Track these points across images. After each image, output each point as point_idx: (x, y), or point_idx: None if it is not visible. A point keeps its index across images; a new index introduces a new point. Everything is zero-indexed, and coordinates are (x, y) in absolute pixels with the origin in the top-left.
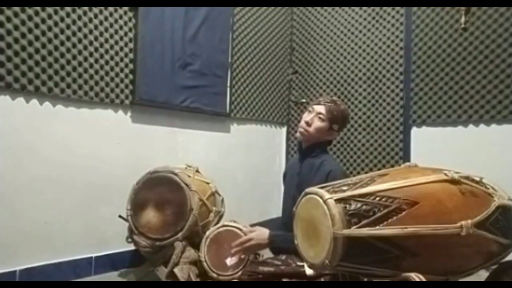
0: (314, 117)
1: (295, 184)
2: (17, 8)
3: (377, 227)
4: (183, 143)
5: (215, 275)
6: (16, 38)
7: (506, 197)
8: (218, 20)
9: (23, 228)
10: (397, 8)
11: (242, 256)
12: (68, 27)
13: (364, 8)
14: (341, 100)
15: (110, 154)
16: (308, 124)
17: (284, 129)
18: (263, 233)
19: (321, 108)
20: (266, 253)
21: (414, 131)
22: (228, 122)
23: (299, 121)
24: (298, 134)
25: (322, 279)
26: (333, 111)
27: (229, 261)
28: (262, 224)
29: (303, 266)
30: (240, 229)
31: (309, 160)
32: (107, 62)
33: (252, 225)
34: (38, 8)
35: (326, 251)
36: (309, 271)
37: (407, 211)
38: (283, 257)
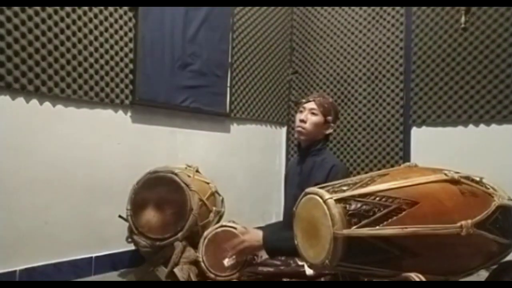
0: (307, 114)
1: (297, 184)
2: (17, 8)
3: (377, 227)
4: (183, 143)
5: (212, 276)
6: (16, 38)
7: (506, 197)
8: (218, 20)
9: (23, 228)
10: (397, 8)
11: (239, 259)
12: (68, 27)
13: (364, 8)
14: (341, 100)
15: (110, 154)
16: (303, 121)
17: (284, 129)
18: (257, 234)
19: (311, 104)
20: (266, 254)
21: (414, 131)
22: (228, 122)
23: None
24: (296, 135)
25: (322, 279)
26: (324, 104)
27: (227, 261)
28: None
29: (303, 266)
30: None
31: (310, 159)
32: (107, 62)
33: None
34: (38, 8)
35: (326, 251)
36: (309, 271)
37: (407, 211)
38: (283, 257)
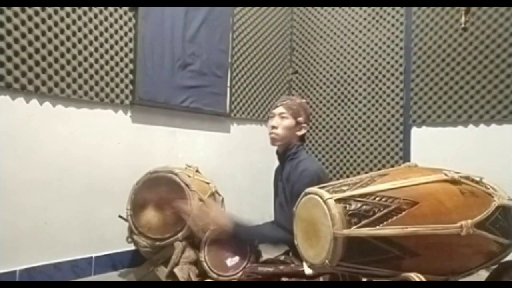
0: (277, 119)
1: (280, 190)
2: (17, 8)
3: (377, 227)
4: (183, 143)
5: (215, 276)
6: (16, 38)
7: (506, 197)
8: (218, 20)
9: (23, 228)
10: (397, 8)
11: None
12: (68, 27)
13: (364, 8)
14: (341, 100)
15: (110, 154)
16: (275, 127)
17: None
18: (226, 221)
19: (280, 109)
20: (266, 254)
21: (414, 131)
22: (228, 122)
23: None
24: (270, 142)
25: (321, 278)
26: (292, 106)
27: (230, 261)
28: None
29: (302, 265)
30: None
31: (288, 164)
32: (107, 62)
33: None
34: (38, 8)
35: (326, 251)
36: (308, 271)
37: (407, 211)
38: (282, 257)
